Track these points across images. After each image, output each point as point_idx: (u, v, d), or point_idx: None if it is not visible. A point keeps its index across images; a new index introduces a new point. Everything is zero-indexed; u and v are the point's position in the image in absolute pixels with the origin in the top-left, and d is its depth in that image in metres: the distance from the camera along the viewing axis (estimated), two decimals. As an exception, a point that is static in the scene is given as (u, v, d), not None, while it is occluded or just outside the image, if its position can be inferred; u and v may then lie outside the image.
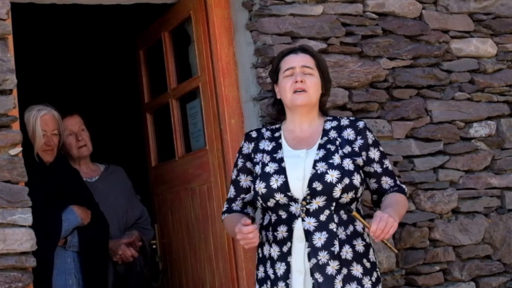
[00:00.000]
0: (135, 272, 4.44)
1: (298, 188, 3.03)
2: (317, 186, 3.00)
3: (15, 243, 3.19)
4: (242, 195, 3.22)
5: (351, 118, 3.23)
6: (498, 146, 4.35)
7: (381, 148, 3.19)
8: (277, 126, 3.27)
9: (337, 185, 3.00)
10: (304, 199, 3.02)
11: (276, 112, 3.28)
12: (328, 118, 3.24)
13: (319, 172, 3.02)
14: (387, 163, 3.20)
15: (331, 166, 3.03)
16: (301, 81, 3.12)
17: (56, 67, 7.36)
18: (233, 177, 3.26)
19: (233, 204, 3.24)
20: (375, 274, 3.06)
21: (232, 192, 3.26)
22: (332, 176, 3.01)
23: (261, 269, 3.14)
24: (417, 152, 4.12)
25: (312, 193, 3.01)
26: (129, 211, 4.48)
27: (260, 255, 3.15)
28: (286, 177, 3.05)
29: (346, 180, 3.01)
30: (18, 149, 3.28)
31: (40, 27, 6.68)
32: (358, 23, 4.11)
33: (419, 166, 4.10)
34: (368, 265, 3.04)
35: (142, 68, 4.94)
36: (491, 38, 4.45)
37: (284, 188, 3.04)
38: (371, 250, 3.10)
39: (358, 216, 2.97)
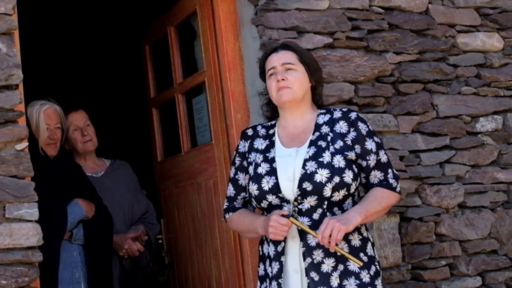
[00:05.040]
0: (141, 267, 4.44)
1: (289, 189, 3.03)
2: (307, 186, 2.99)
3: (21, 238, 3.20)
4: (242, 194, 3.23)
5: (343, 109, 3.17)
6: (505, 141, 4.34)
7: (376, 139, 3.13)
8: (272, 123, 3.27)
9: (327, 184, 2.98)
10: (296, 199, 3.02)
11: (271, 111, 3.28)
12: (322, 111, 3.20)
13: (308, 172, 3.00)
14: (383, 154, 3.12)
15: (321, 165, 3.00)
16: (283, 79, 3.12)
17: (62, 62, 7.37)
18: (231, 175, 3.27)
19: (235, 203, 3.25)
20: (373, 268, 3.04)
21: (231, 190, 3.26)
22: (321, 175, 2.98)
23: (261, 266, 3.16)
24: (423, 147, 4.12)
25: (303, 194, 3.00)
26: (134, 206, 4.49)
27: (261, 253, 3.18)
28: (277, 178, 3.05)
29: (336, 179, 2.98)
30: (25, 144, 3.29)
31: (45, 22, 6.69)
32: (364, 18, 4.10)
33: (425, 160, 4.10)
34: (365, 259, 3.03)
35: (147, 63, 4.95)
36: (498, 32, 4.44)
37: (275, 189, 3.04)
38: (369, 244, 3.08)
39: (299, 223, 2.96)
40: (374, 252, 3.09)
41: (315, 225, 2.98)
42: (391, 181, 3.12)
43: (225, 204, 3.28)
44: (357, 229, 3.05)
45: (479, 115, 4.30)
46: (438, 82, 4.23)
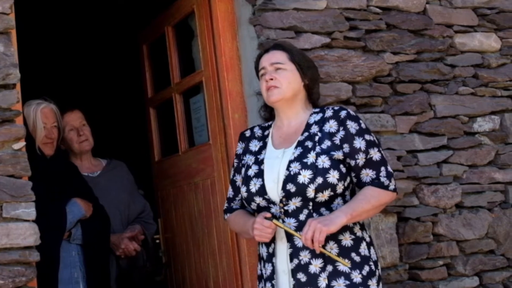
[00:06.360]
0: (138, 266, 4.44)
1: (274, 191, 3.03)
2: (291, 187, 2.99)
3: (18, 238, 3.20)
4: (240, 195, 3.24)
5: (335, 107, 3.13)
6: (502, 141, 4.34)
7: (368, 137, 3.06)
8: (270, 123, 3.27)
9: (310, 185, 2.96)
10: (281, 201, 3.02)
11: (268, 113, 3.30)
12: (315, 110, 3.18)
13: (292, 173, 3.00)
14: (375, 152, 3.06)
15: (304, 166, 2.99)
16: (271, 79, 3.12)
17: (59, 62, 7.36)
18: (231, 176, 3.31)
19: (232, 204, 3.28)
20: (366, 268, 3.00)
21: (230, 192, 3.30)
22: (304, 176, 2.97)
23: (259, 266, 3.18)
24: (421, 147, 4.12)
25: (287, 195, 3.00)
26: (131, 206, 4.49)
27: (258, 253, 3.20)
28: (263, 180, 3.06)
29: (319, 179, 2.96)
30: (22, 143, 3.28)
31: (42, 22, 6.68)
32: (361, 18, 4.10)
33: (422, 160, 4.10)
34: (357, 259, 3.00)
35: (145, 63, 4.94)
36: (495, 32, 4.44)
37: (262, 191, 3.06)
38: (364, 244, 3.04)
39: (282, 225, 2.96)
40: (369, 252, 3.06)
41: (302, 226, 2.97)
42: (383, 179, 3.06)
43: (225, 205, 3.31)
44: (349, 229, 3.03)
45: (476, 115, 4.30)
46: (436, 82, 4.23)
